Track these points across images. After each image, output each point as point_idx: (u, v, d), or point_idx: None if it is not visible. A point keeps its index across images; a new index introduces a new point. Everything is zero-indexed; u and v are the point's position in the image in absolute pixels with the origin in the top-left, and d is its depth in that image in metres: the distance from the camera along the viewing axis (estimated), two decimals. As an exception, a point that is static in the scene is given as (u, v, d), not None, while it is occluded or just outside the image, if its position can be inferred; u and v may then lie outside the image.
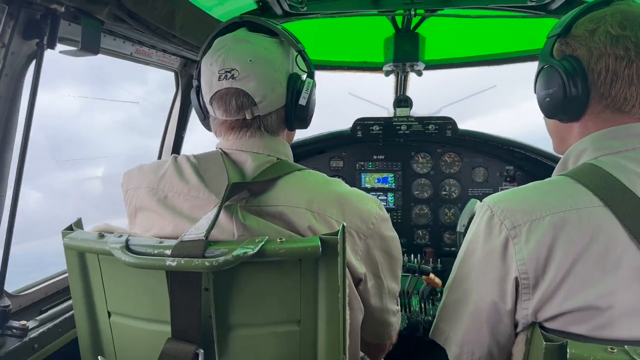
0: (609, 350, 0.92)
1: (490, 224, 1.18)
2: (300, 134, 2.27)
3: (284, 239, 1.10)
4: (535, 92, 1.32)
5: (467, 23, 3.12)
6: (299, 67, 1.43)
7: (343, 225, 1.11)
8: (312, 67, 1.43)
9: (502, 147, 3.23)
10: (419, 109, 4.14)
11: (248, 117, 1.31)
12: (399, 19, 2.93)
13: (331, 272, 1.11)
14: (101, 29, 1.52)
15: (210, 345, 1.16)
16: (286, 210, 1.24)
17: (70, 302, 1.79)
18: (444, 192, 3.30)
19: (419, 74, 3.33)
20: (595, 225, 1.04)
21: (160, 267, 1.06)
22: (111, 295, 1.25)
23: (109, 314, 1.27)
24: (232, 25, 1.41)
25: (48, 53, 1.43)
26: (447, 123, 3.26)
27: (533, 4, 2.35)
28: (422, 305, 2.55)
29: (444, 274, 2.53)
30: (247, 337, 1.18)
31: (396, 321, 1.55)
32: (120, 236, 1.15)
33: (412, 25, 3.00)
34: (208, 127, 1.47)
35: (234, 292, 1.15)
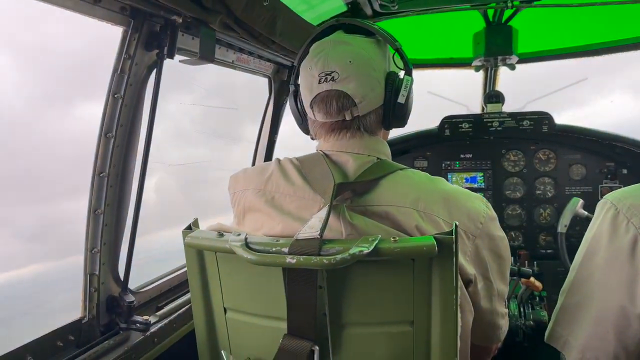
0: None
1: (615, 223, 1.10)
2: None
3: (397, 238, 1.09)
4: None
5: (562, 13, 2.94)
6: (396, 65, 1.42)
7: (455, 224, 1.08)
8: (410, 64, 1.42)
9: (602, 142, 2.99)
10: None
11: (348, 117, 1.32)
12: (490, 12, 2.82)
13: (445, 273, 1.08)
14: (215, 38, 1.60)
15: (325, 343, 1.17)
16: (392, 209, 1.23)
17: (182, 299, 1.91)
18: (537, 192, 3.12)
19: (512, 67, 3.18)
20: None
21: (280, 264, 1.09)
22: (227, 292, 1.30)
23: (225, 310, 1.33)
24: (328, 29, 1.42)
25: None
26: (543, 118, 3.07)
27: None
28: (521, 309, 2.43)
29: (540, 278, 2.40)
30: (360, 336, 1.18)
31: (505, 324, 1.50)
32: (239, 235, 1.20)
33: (505, 18, 2.87)
34: (305, 131, 1.50)
35: (347, 291, 1.15)
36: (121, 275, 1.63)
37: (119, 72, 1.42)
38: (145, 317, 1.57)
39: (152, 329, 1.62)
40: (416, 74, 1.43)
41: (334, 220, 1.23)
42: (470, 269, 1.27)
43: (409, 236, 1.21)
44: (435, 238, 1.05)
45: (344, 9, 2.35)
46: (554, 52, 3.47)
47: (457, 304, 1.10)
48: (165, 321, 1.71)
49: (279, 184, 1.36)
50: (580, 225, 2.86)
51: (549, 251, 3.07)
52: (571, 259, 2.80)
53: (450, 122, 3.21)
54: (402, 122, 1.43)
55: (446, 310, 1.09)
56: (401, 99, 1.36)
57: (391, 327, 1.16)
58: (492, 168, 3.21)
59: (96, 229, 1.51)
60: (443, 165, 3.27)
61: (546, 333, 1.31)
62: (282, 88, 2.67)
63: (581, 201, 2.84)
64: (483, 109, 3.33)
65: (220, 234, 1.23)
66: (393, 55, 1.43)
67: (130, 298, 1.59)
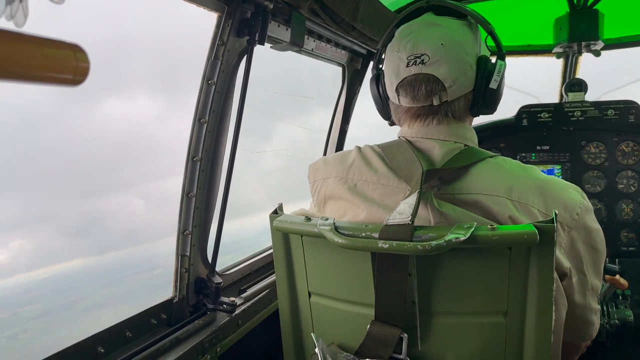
0: None
1: None
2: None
3: (495, 226, 1.05)
4: None
5: None
6: (488, 48, 1.36)
7: (555, 213, 1.03)
8: (503, 48, 1.36)
9: None
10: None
11: (435, 102, 1.27)
12: None
13: (544, 263, 1.04)
14: (305, 24, 1.62)
15: (413, 331, 1.16)
16: (483, 198, 1.19)
17: (264, 282, 1.96)
18: (620, 186, 2.93)
19: (597, 54, 2.99)
20: None
21: (371, 248, 1.09)
22: (312, 276, 1.32)
23: (309, 294, 1.34)
24: (416, 12, 1.38)
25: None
26: (629, 107, 2.88)
27: None
28: (605, 308, 2.30)
29: (623, 276, 2.25)
30: (449, 325, 1.16)
31: (597, 321, 1.42)
32: (327, 219, 1.20)
33: (590, 2, 2.70)
34: (386, 116, 1.47)
35: (437, 279, 1.13)
36: (209, 257, 1.70)
37: (212, 58, 1.47)
38: (232, 299, 1.62)
39: (237, 311, 1.68)
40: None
41: (422, 207, 1.20)
42: (566, 262, 1.22)
43: None
44: (535, 226, 1.01)
45: (424, -6, 2.29)
46: None
47: (553, 297, 1.05)
48: (249, 303, 1.76)
49: (362, 172, 1.34)
50: None
51: (631, 248, 2.88)
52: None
53: (528, 111, 3.07)
54: (491, 109, 1.38)
55: (542, 302, 1.05)
56: (493, 85, 1.30)
57: (483, 318, 1.13)
58: (570, 160, 3.05)
59: (188, 211, 1.57)
60: (518, 157, 3.14)
61: None
62: (355, 77, 2.66)
63: None
64: (562, 97, 3.17)
65: (308, 219, 1.24)
66: (485, 39, 1.37)
67: (218, 280, 1.65)
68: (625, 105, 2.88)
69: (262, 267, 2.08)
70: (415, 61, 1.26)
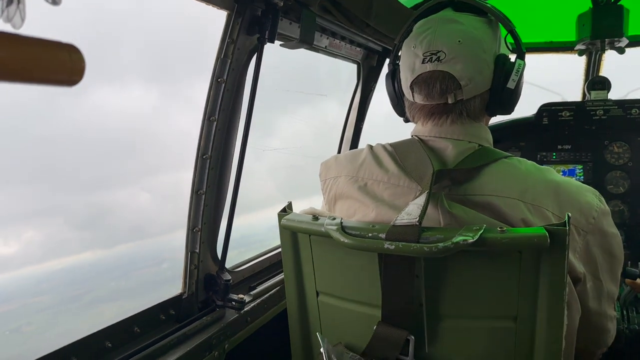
0: None
1: None
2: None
3: (505, 228, 1.03)
4: None
5: None
6: (508, 47, 1.33)
7: (568, 216, 1.00)
8: (523, 47, 1.32)
9: None
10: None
11: (450, 101, 1.24)
12: None
13: (555, 267, 1.01)
14: (316, 22, 1.61)
15: (420, 333, 1.14)
16: (496, 200, 1.16)
17: (273, 280, 1.96)
18: None
19: (621, 51, 2.90)
20: None
21: (377, 249, 1.07)
22: (320, 275, 1.31)
23: (317, 293, 1.34)
24: (435, 6, 1.35)
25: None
26: None
27: None
28: (624, 312, 2.23)
29: None
30: (457, 329, 1.14)
31: (613, 328, 1.38)
32: (334, 219, 1.19)
33: None
34: (400, 113, 1.45)
35: (445, 281, 1.11)
36: (219, 254, 1.71)
37: (222, 56, 1.47)
38: (241, 296, 1.63)
39: (246, 308, 1.68)
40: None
41: (432, 208, 1.18)
42: (580, 267, 1.18)
43: None
44: (546, 229, 0.98)
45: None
46: None
47: (565, 302, 1.02)
48: (258, 301, 1.77)
49: (372, 171, 1.33)
50: None
51: None
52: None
53: (549, 109, 3.00)
54: (509, 109, 1.34)
55: (553, 307, 1.02)
56: (511, 84, 1.27)
57: (492, 322, 1.11)
58: (592, 160, 2.97)
59: (198, 208, 1.59)
60: (538, 156, 3.07)
61: None
62: (371, 74, 2.64)
63: None
64: (585, 96, 3.09)
65: (316, 218, 1.24)
66: (505, 37, 1.33)
67: (227, 277, 1.66)
68: None
69: (272, 265, 2.09)
70: (432, 58, 1.23)
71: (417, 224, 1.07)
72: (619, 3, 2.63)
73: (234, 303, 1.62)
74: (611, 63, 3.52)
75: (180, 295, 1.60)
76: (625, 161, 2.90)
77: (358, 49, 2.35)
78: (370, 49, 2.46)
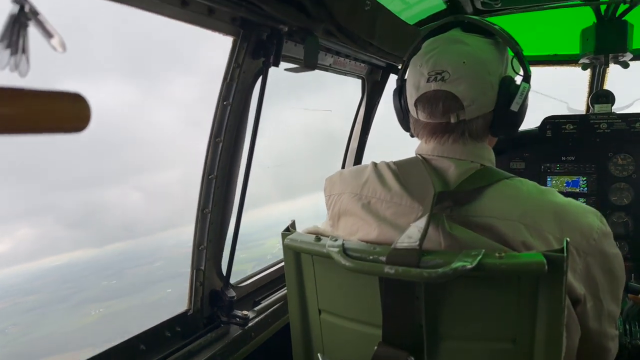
0: None
1: None
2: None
3: (503, 254, 1.04)
4: None
5: None
6: (513, 69, 1.34)
7: (567, 241, 1.01)
8: (529, 70, 1.33)
9: None
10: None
11: (452, 120, 1.26)
12: (602, 7, 2.60)
13: (553, 292, 1.02)
14: (319, 46, 1.64)
15: (420, 354, 1.15)
16: (497, 222, 1.17)
17: (277, 295, 1.98)
18: None
19: (625, 65, 2.91)
20: None
21: (377, 273, 1.09)
22: (322, 293, 1.33)
23: (320, 311, 1.36)
24: (445, 26, 1.37)
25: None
26: None
27: None
28: (627, 326, 2.23)
29: None
30: (457, 350, 1.15)
31: (614, 347, 1.37)
32: (336, 240, 1.21)
33: (619, 13, 2.63)
34: (406, 128, 1.47)
35: (444, 303, 1.13)
36: (223, 270, 1.73)
37: (228, 80, 1.51)
38: (245, 312, 1.65)
39: (250, 323, 1.71)
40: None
41: (433, 230, 1.19)
42: (580, 288, 1.19)
43: (514, 251, 1.15)
44: (544, 255, 1.00)
45: (443, 7, 2.29)
46: None
47: (564, 325, 1.04)
48: (261, 316, 1.79)
49: (375, 189, 1.34)
50: None
51: None
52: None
53: (553, 122, 3.01)
54: (512, 131, 1.35)
55: (552, 330, 1.04)
56: (514, 107, 1.28)
57: (491, 343, 1.12)
58: (596, 172, 2.97)
59: (203, 226, 1.61)
60: (542, 167, 3.08)
61: None
62: (375, 89, 2.67)
63: None
64: (589, 109, 3.09)
65: (318, 238, 1.25)
66: (512, 59, 1.35)
67: (232, 293, 1.68)
68: None
69: (275, 279, 2.11)
70: (436, 77, 1.24)
71: (417, 247, 1.09)
72: (622, 18, 2.64)
73: (238, 319, 1.64)
74: (614, 75, 3.53)
75: (186, 312, 1.63)
76: (630, 173, 2.90)
77: (362, 64, 2.38)
78: (374, 65, 2.49)
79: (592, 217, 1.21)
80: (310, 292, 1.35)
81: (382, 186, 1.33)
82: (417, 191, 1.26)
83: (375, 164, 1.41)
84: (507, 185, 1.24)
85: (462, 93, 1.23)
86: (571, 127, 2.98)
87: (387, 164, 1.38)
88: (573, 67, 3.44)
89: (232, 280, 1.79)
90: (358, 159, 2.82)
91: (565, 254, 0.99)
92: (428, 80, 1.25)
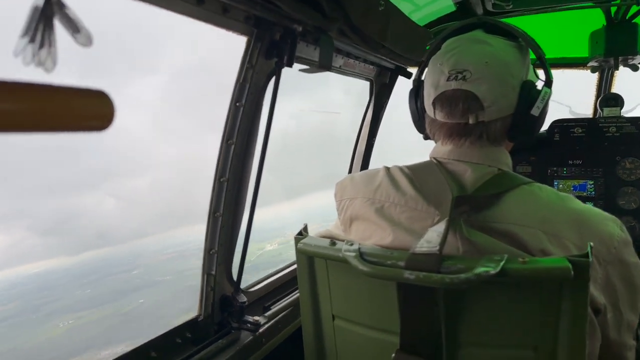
0: None
1: None
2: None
3: (527, 259, 1.01)
4: None
5: None
6: (535, 74, 1.32)
7: (591, 246, 0.98)
8: (551, 75, 1.31)
9: None
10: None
11: (471, 121, 1.23)
12: (613, 9, 2.58)
13: (577, 298, 0.99)
14: (333, 46, 1.62)
15: None
16: (516, 229, 1.14)
17: (288, 299, 1.95)
18: None
19: (635, 68, 2.89)
20: None
21: (397, 278, 1.06)
22: (336, 299, 1.30)
23: (333, 317, 1.33)
24: (466, 27, 1.35)
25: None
26: None
27: None
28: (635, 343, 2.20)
29: None
30: (477, 358, 1.13)
31: (632, 356, 1.35)
32: (352, 244, 1.18)
33: (629, 15, 2.62)
34: (420, 129, 1.44)
35: (465, 310, 1.10)
36: (234, 275, 1.71)
37: (241, 81, 1.48)
38: (256, 318, 1.62)
39: (261, 329, 1.68)
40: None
41: (451, 235, 1.16)
42: (600, 298, 1.16)
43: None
44: (569, 260, 0.97)
45: (453, 8, 2.27)
46: None
47: (587, 332, 1.01)
48: (272, 321, 1.77)
49: (389, 193, 1.31)
50: None
51: None
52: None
53: (561, 126, 2.99)
54: (529, 136, 1.32)
55: (575, 337, 1.01)
56: (535, 111, 1.25)
57: (512, 351, 1.09)
58: (604, 176, 2.95)
59: (214, 230, 1.59)
60: (549, 171, 3.05)
61: None
62: (383, 91, 2.65)
63: None
64: (597, 112, 3.07)
65: (333, 242, 1.23)
66: (534, 64, 1.32)
67: (243, 298, 1.66)
68: None
69: (285, 283, 2.08)
70: (457, 76, 1.22)
71: (438, 252, 1.06)
72: (633, 21, 2.63)
73: (249, 325, 1.61)
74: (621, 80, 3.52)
75: (197, 317, 1.60)
76: (638, 177, 2.87)
77: (371, 66, 2.36)
78: (383, 67, 2.46)
79: (612, 224, 1.19)
80: (324, 297, 1.33)
81: (396, 190, 1.30)
82: (433, 195, 1.23)
83: (387, 168, 1.38)
84: (525, 191, 1.21)
85: (483, 93, 1.20)
86: (580, 130, 2.96)
87: (400, 168, 1.36)
88: (578, 71, 3.43)
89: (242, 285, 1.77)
90: (365, 163, 2.79)
91: (590, 259, 0.96)
92: (448, 79, 1.23)
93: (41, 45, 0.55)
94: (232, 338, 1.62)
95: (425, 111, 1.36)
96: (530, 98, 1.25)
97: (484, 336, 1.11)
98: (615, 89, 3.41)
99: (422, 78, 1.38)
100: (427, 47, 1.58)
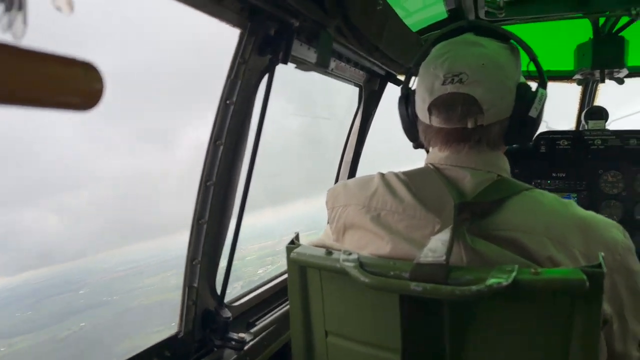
0: None
1: None
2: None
3: (539, 270, 0.95)
4: None
5: None
6: (526, 76, 1.29)
7: (602, 256, 0.94)
8: (545, 76, 1.28)
9: None
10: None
11: (470, 125, 1.19)
12: (601, 21, 2.60)
13: (591, 311, 0.94)
14: (332, 44, 1.54)
15: None
16: (520, 236, 1.09)
17: (274, 314, 1.85)
18: (638, 216, 2.84)
19: (620, 82, 2.92)
20: None
21: (402, 290, 0.99)
22: (330, 314, 1.22)
23: (326, 334, 1.24)
24: (456, 31, 1.31)
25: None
26: None
27: None
28: None
29: None
30: None
31: None
32: (350, 254, 1.11)
33: (616, 28, 2.64)
34: (412, 137, 1.39)
35: (471, 325, 1.03)
36: (218, 288, 1.59)
37: (232, 77, 1.39)
38: (241, 335, 1.51)
39: (246, 347, 1.57)
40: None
41: (454, 244, 1.11)
42: (607, 307, 1.12)
43: (539, 267, 1.07)
44: (583, 271, 0.91)
45: (445, 16, 2.24)
46: None
47: (599, 346, 0.96)
48: (258, 338, 1.66)
49: (386, 201, 1.25)
50: None
51: None
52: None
53: (547, 138, 3.00)
54: (527, 139, 1.28)
55: (587, 351, 0.95)
56: (533, 113, 1.22)
57: None
58: (587, 189, 2.96)
59: (198, 239, 1.48)
60: (533, 183, 3.05)
61: None
62: (372, 98, 2.60)
63: None
64: (581, 125, 3.10)
65: (329, 252, 1.15)
66: (528, 65, 1.30)
67: (227, 314, 1.54)
68: None
69: (271, 297, 1.97)
70: (453, 79, 1.17)
71: (445, 262, 0.99)
72: (620, 34, 2.65)
73: (234, 343, 1.50)
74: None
75: (176, 334, 1.48)
76: (620, 190, 2.89)
77: (361, 72, 2.31)
78: (373, 73, 2.42)
79: (615, 231, 1.16)
80: (317, 312, 1.24)
81: (393, 197, 1.24)
82: (432, 203, 1.18)
83: (382, 175, 1.33)
84: (528, 197, 1.17)
85: (481, 96, 1.16)
86: (565, 143, 2.98)
87: (396, 174, 1.30)
88: (554, 85, 3.47)
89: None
90: (352, 171, 2.73)
91: (603, 269, 0.91)
92: (444, 83, 1.18)
93: (10, 7, 0.46)
94: (215, 357, 1.50)
95: (417, 118, 1.31)
96: (527, 100, 1.22)
97: (491, 351, 1.04)
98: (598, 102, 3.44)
99: (411, 85, 1.34)
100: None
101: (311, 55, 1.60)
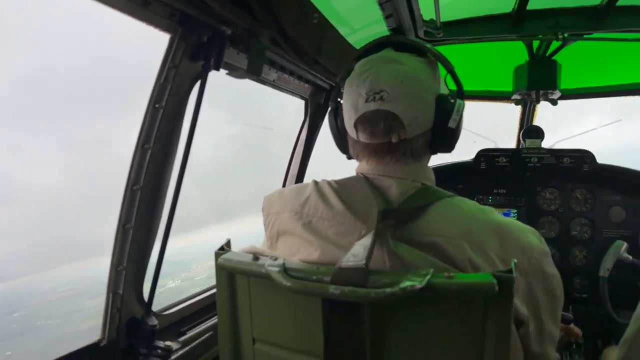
0: None
1: None
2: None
3: (452, 274, 0.99)
4: None
5: (609, 48, 2.85)
6: (447, 87, 1.35)
7: (514, 262, 0.98)
8: (462, 87, 1.35)
9: None
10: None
11: (394, 140, 1.24)
12: (535, 44, 2.75)
13: (502, 314, 0.98)
14: (265, 53, 1.55)
15: None
16: (441, 240, 1.13)
17: (205, 325, 1.81)
18: (573, 232, 2.97)
19: (554, 103, 3.09)
20: None
21: (321, 293, 1.00)
22: (258, 320, 1.21)
23: (254, 341, 1.23)
24: (376, 47, 1.35)
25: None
26: (584, 156, 2.95)
27: None
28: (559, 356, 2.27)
29: (576, 324, 2.24)
30: None
31: None
32: (276, 259, 1.12)
33: (550, 52, 2.80)
34: (343, 150, 1.43)
35: (390, 327, 1.05)
36: (145, 296, 1.55)
37: (162, 81, 1.38)
38: (167, 343, 1.47)
39: (173, 356, 1.52)
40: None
41: (377, 249, 1.13)
42: (523, 309, 1.17)
43: (459, 270, 1.11)
44: (494, 276, 0.95)
45: (387, 34, 2.31)
46: (599, 89, 3.36)
47: (511, 348, 1.01)
48: (187, 348, 1.62)
49: (317, 208, 1.27)
50: (619, 270, 2.69)
51: (584, 295, 2.89)
52: (612, 304, 2.66)
53: (486, 155, 3.12)
54: (450, 148, 1.36)
55: (501, 354, 0.98)
56: (452, 124, 1.28)
57: None
58: (526, 205, 3.09)
59: (124, 245, 1.44)
60: (475, 199, 3.15)
61: None
62: (318, 111, 2.63)
63: (625, 244, 2.69)
64: (520, 144, 3.23)
65: (256, 258, 1.16)
66: (445, 78, 1.35)
67: (154, 321, 1.50)
68: (581, 154, 2.95)
69: (205, 307, 1.93)
70: (374, 97, 1.22)
71: (364, 266, 1.02)
72: (552, 58, 2.81)
73: (159, 351, 1.45)
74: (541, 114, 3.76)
75: (99, 342, 1.42)
76: (557, 207, 3.02)
77: (306, 85, 2.33)
78: (318, 86, 2.45)
79: (532, 236, 1.22)
80: (244, 319, 1.23)
81: (324, 204, 1.27)
82: (360, 210, 1.22)
83: (316, 182, 1.36)
84: (449, 204, 1.22)
85: (402, 112, 1.21)
86: (504, 160, 3.10)
87: (329, 182, 1.33)
88: (502, 105, 3.62)
89: (155, 308, 1.61)
90: (299, 182, 2.74)
91: (514, 275, 0.95)
92: (367, 101, 1.23)
93: None
94: None
95: (346, 132, 1.35)
96: (446, 111, 1.28)
97: (409, 354, 1.06)
98: (538, 122, 3.61)
99: (339, 99, 1.38)
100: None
101: (244, 63, 1.59)
